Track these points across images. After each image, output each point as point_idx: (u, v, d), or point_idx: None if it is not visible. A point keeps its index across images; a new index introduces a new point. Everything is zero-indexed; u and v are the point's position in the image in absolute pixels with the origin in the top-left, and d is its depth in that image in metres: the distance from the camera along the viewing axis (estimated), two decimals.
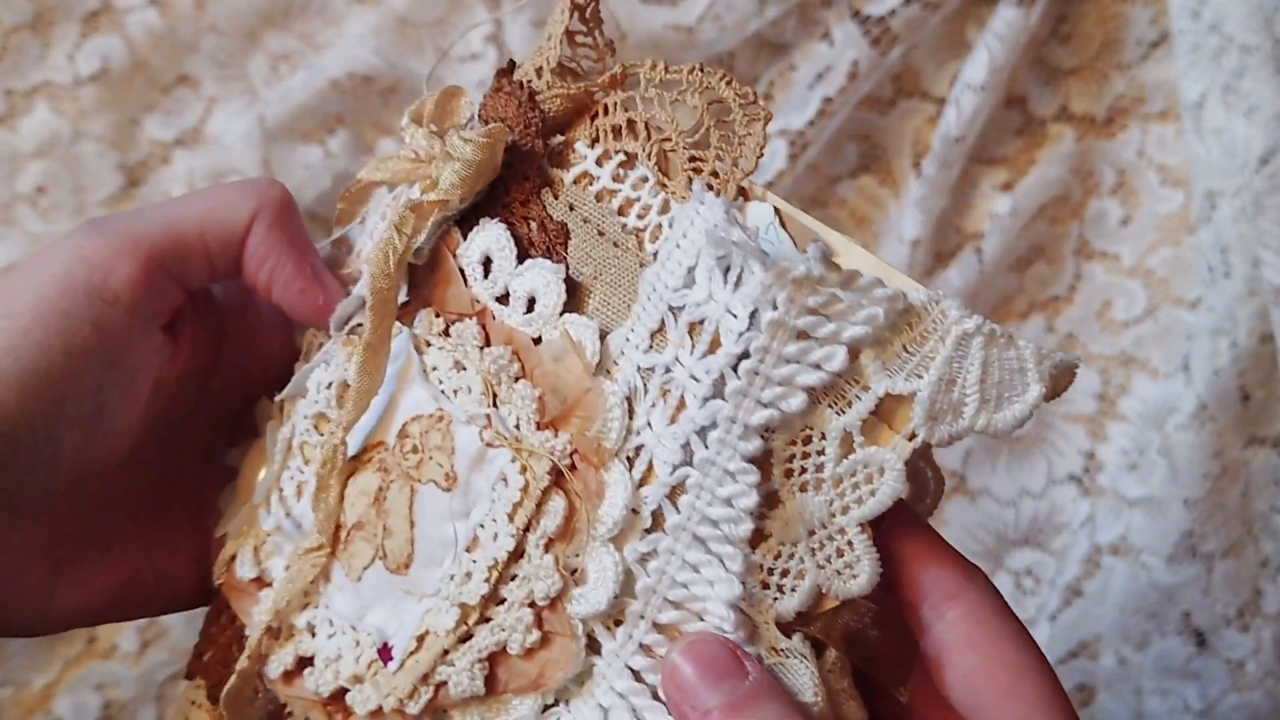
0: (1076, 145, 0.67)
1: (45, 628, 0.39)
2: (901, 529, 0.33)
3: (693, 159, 0.35)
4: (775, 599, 0.33)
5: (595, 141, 0.37)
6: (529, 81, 0.39)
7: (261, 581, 0.40)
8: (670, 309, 0.33)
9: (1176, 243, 0.67)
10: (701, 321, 0.33)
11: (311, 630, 0.38)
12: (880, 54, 0.65)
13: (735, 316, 0.32)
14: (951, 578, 0.33)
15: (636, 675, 0.33)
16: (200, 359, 0.42)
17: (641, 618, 0.33)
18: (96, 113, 0.64)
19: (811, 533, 0.32)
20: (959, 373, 0.31)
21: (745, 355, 0.32)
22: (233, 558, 0.41)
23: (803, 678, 0.32)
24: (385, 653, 0.37)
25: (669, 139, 0.35)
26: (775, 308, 0.31)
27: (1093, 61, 0.67)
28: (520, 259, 0.37)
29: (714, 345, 0.32)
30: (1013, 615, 0.33)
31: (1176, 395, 0.64)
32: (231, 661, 0.40)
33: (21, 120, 0.64)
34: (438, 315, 0.38)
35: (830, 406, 0.32)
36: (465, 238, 0.38)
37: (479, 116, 0.40)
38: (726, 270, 0.32)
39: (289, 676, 0.39)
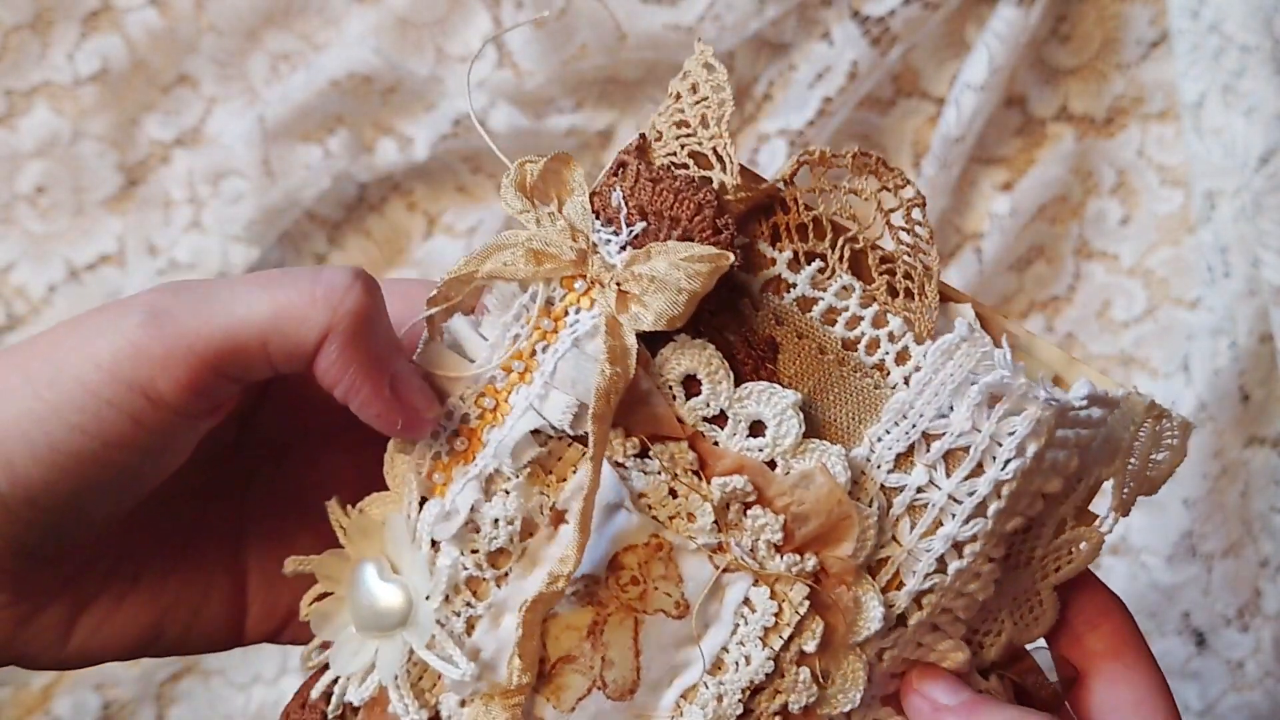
0: (1076, 145, 0.67)
1: (64, 664, 0.38)
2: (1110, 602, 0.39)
3: (883, 259, 0.36)
4: (977, 652, 0.38)
5: (775, 241, 0.36)
6: (693, 173, 0.36)
7: None
8: (924, 435, 0.36)
9: (1176, 243, 0.67)
10: (964, 449, 0.35)
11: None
12: (880, 54, 0.65)
13: (1000, 446, 0.35)
14: (1103, 601, 0.38)
15: None
16: (245, 402, 0.40)
17: (874, 697, 0.38)
18: (96, 112, 0.64)
19: (1014, 599, 0.38)
20: (1138, 451, 0.37)
21: (1009, 480, 0.35)
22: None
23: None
24: None
25: (855, 238, 0.36)
26: (1040, 439, 0.35)
27: (1092, 61, 0.67)
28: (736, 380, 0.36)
29: (977, 471, 0.35)
30: (1143, 639, 0.38)
31: (1176, 395, 0.64)
32: None
33: (21, 120, 0.64)
34: (629, 436, 0.36)
35: (1057, 504, 0.37)
36: (654, 354, 0.36)
37: (626, 204, 0.36)
38: (993, 407, 0.35)
39: None
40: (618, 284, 0.35)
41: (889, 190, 0.36)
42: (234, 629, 0.40)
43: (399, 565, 0.37)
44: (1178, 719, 0.37)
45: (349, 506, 0.38)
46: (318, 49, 0.66)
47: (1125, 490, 0.37)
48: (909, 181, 0.36)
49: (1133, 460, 0.37)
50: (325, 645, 0.38)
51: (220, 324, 0.33)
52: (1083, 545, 0.38)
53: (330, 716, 0.38)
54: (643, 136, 0.37)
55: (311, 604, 0.38)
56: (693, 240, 0.35)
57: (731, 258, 0.34)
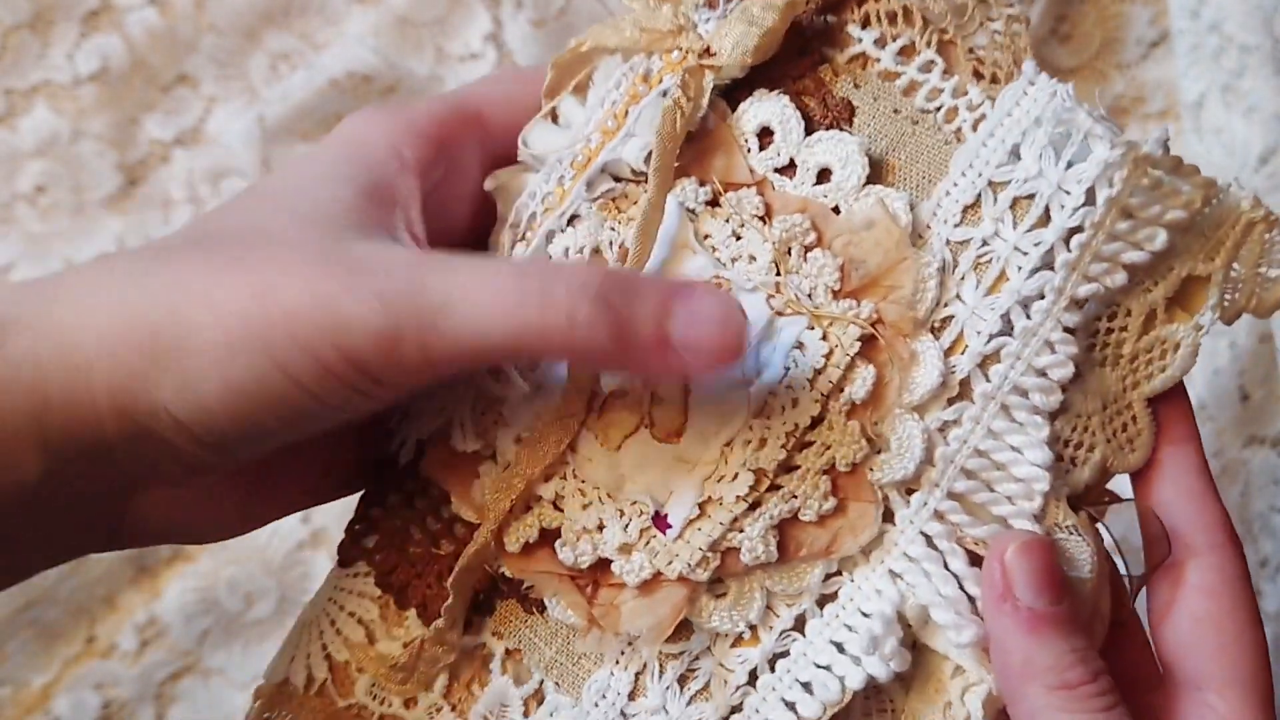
0: None
1: (236, 534, 0.38)
2: (1196, 469, 0.36)
3: (970, 51, 0.36)
4: (1067, 471, 0.35)
5: (867, 25, 0.37)
6: None
7: (480, 456, 0.37)
8: (990, 184, 0.35)
9: None
10: (1030, 197, 0.34)
11: (556, 503, 0.36)
12: None
13: (1069, 193, 0.34)
14: (1219, 529, 0.36)
15: (929, 541, 0.35)
16: None
17: (937, 485, 0.34)
18: (96, 112, 0.64)
19: (1105, 407, 0.35)
20: (1243, 258, 0.35)
21: (1077, 229, 0.34)
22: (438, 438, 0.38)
23: (1083, 555, 0.35)
24: (661, 521, 0.35)
25: (945, 30, 0.36)
26: (1111, 185, 0.33)
27: (1093, 61, 0.67)
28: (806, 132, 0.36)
29: (1043, 220, 0.34)
30: (1253, 592, 0.36)
31: None
32: (408, 544, 0.38)
33: (21, 119, 0.64)
34: (702, 184, 0.36)
35: (1140, 284, 0.35)
36: (733, 109, 0.37)
37: None
38: (1060, 148, 0.34)
39: (530, 550, 0.36)
40: (706, 45, 0.36)
41: (990, 3, 0.36)
42: (357, 474, 0.40)
43: None
44: (1266, 677, 0.35)
45: None
46: (318, 49, 0.66)
47: (1227, 298, 0.35)
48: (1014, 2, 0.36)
49: (1236, 266, 0.35)
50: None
51: (462, 344, 0.31)
52: (1179, 350, 0.35)
53: (403, 461, 0.38)
54: None
55: None
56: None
57: (804, 3, 0.36)
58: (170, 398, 0.31)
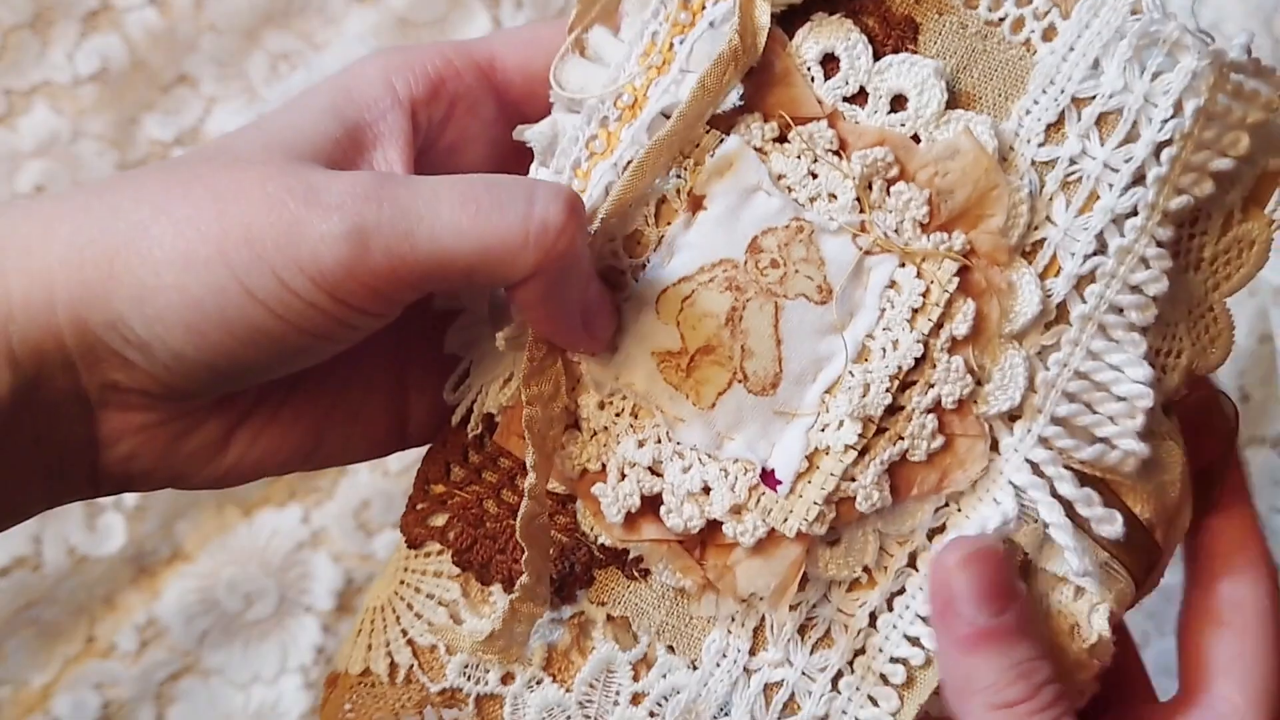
0: None
1: (222, 481, 0.37)
2: (1244, 497, 0.38)
3: None
4: (1160, 378, 0.35)
5: None
6: None
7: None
8: (1074, 100, 0.34)
9: None
10: (1116, 111, 0.33)
11: (654, 468, 0.35)
12: None
13: (1156, 105, 0.33)
14: (1256, 547, 0.37)
15: (1035, 468, 0.34)
16: None
17: (1039, 411, 0.34)
18: (96, 112, 0.64)
19: (1189, 311, 0.35)
20: None
21: (1167, 143, 0.33)
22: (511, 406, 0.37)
23: (1173, 457, 0.35)
24: (769, 478, 0.34)
25: None
26: (1199, 95, 0.33)
27: None
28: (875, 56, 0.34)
29: (1132, 134, 0.33)
30: None
31: None
32: (484, 519, 0.37)
33: (21, 119, 0.64)
34: (767, 120, 0.34)
35: (1222, 189, 0.34)
36: (790, 36, 0.35)
37: None
38: (1145, 60, 0.34)
39: (632, 520, 0.35)
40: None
41: None
42: (397, 432, 0.39)
43: None
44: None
45: None
46: (318, 49, 0.66)
47: None
48: None
49: None
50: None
51: (425, 253, 0.31)
52: (1254, 247, 0.35)
53: (470, 434, 0.37)
54: None
55: (456, 332, 0.38)
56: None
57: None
58: (127, 310, 0.31)
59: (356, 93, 0.35)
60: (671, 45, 0.35)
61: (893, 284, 0.34)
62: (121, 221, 0.32)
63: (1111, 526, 0.34)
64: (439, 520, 0.37)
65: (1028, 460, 0.35)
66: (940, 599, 0.34)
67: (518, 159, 0.38)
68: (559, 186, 0.33)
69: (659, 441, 0.35)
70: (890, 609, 0.35)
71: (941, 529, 0.35)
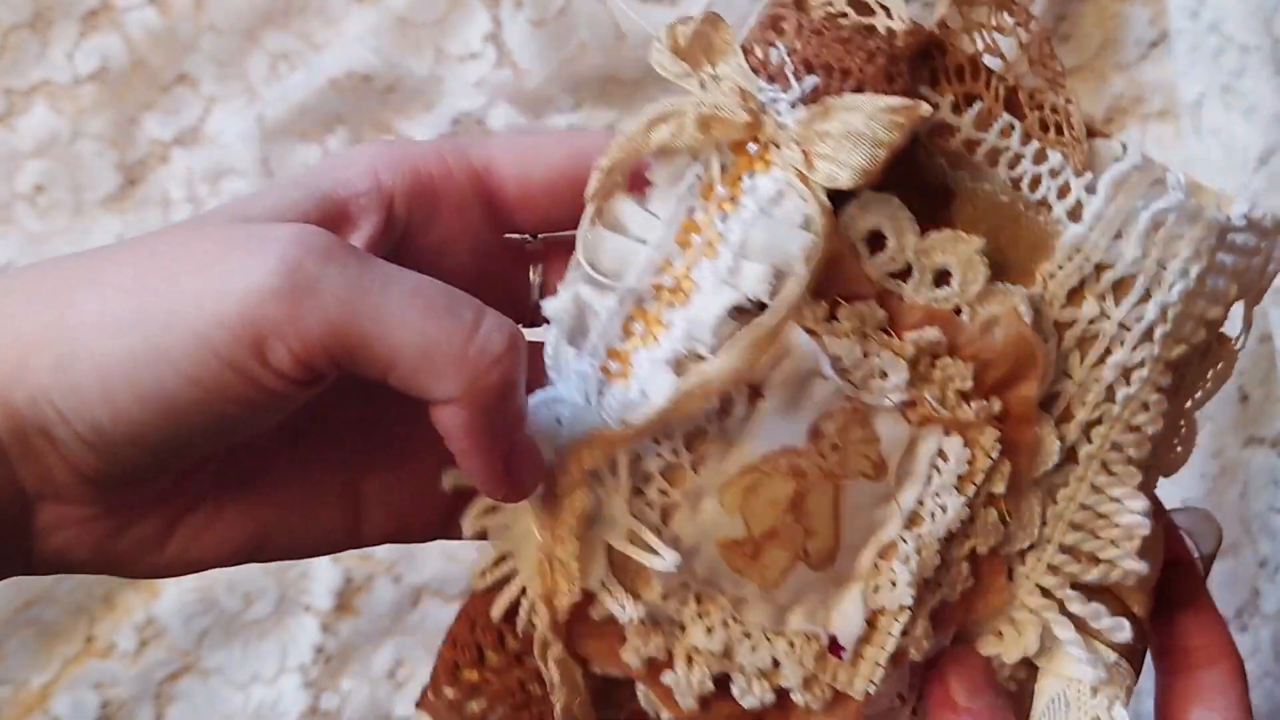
0: None
1: (162, 573, 0.35)
2: (1206, 594, 0.40)
3: (1032, 95, 0.36)
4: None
5: (934, 85, 0.34)
6: (860, 23, 0.34)
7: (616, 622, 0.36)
8: (1096, 267, 0.36)
9: None
10: (1132, 276, 0.36)
11: (726, 651, 0.36)
12: None
13: (1165, 270, 0.36)
14: (1226, 640, 0.40)
15: (1045, 592, 0.38)
16: None
17: (1049, 542, 0.37)
18: (95, 112, 0.64)
19: (1168, 427, 0.38)
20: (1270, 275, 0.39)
21: (1174, 302, 0.36)
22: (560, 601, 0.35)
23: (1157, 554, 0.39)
24: (836, 647, 0.36)
25: (1005, 77, 0.35)
26: (1203, 259, 0.36)
27: (1092, 61, 0.67)
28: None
29: (1145, 297, 0.36)
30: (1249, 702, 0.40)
31: None
32: (529, 702, 0.36)
33: (20, 119, 0.64)
34: (817, 300, 0.34)
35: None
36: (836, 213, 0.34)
37: (791, 59, 0.33)
38: (1160, 230, 0.36)
39: (708, 702, 0.36)
40: (798, 143, 0.33)
41: (1021, 26, 0.35)
42: (348, 532, 0.37)
43: None
44: None
45: None
46: (317, 49, 0.66)
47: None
48: (1033, 15, 0.36)
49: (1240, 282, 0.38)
50: (497, 570, 0.36)
51: (360, 331, 0.29)
52: (1220, 365, 0.39)
53: (520, 630, 0.36)
54: None
55: (481, 515, 0.36)
56: (864, 91, 0.33)
57: (927, 107, 0.33)
58: (48, 379, 0.30)
59: (337, 174, 0.34)
60: (713, 224, 0.34)
61: (941, 452, 0.36)
62: (48, 287, 0.30)
63: (1122, 633, 0.38)
64: (476, 706, 0.37)
65: (1038, 585, 0.38)
66: (938, 700, 0.38)
67: (502, 266, 0.37)
68: (506, 320, 0.31)
69: (726, 625, 0.36)
70: None
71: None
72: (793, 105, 0.33)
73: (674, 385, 0.33)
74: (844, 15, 0.34)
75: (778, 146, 0.33)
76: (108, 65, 0.64)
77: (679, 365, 0.33)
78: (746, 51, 0.34)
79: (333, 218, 0.33)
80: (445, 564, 0.65)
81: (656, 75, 0.72)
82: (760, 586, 0.35)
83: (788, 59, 0.33)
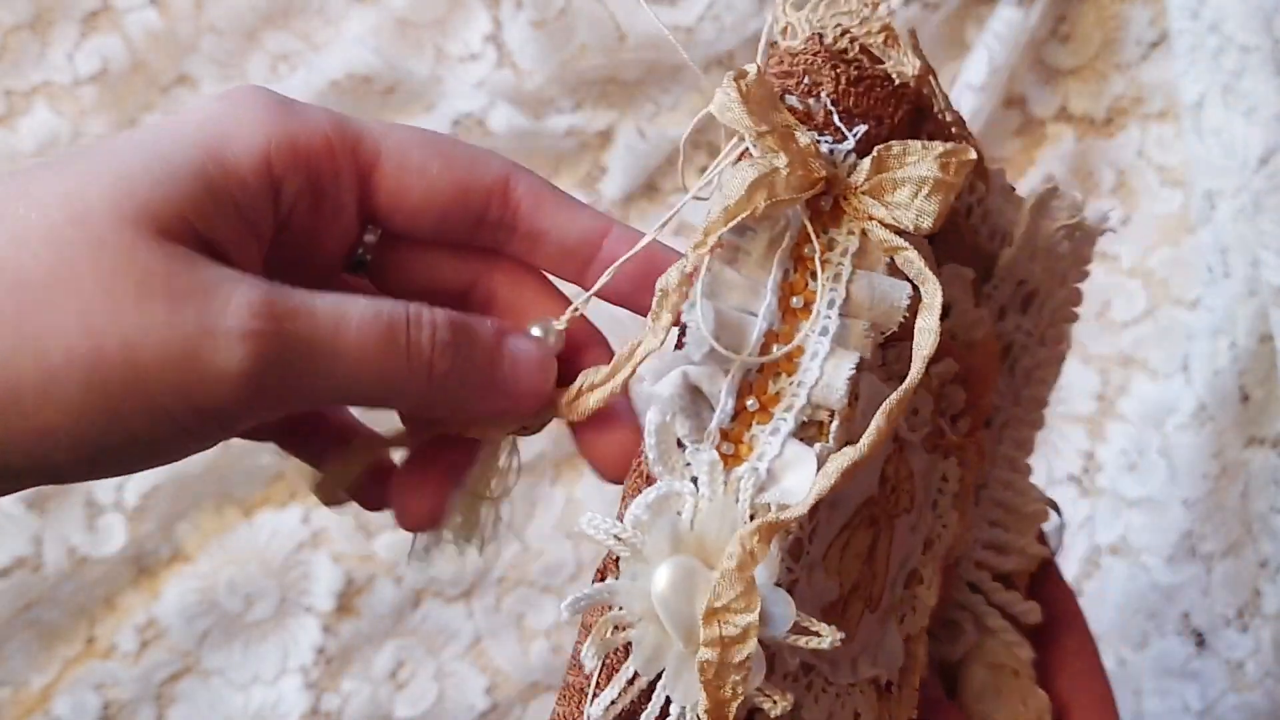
0: (1076, 145, 0.67)
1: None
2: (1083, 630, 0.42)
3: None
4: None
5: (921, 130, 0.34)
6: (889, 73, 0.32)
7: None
8: (1018, 284, 0.39)
9: (1176, 243, 0.67)
10: (1038, 290, 0.39)
11: (829, 716, 0.34)
12: None
13: (1054, 279, 0.40)
14: (1075, 607, 0.41)
15: (973, 587, 0.40)
16: None
17: (976, 541, 0.40)
18: (96, 112, 0.64)
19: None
20: None
21: (1059, 306, 0.40)
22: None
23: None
24: (890, 684, 0.36)
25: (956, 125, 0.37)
26: (1078, 268, 0.40)
27: (1092, 62, 0.67)
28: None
29: (1042, 306, 0.40)
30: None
31: (1176, 395, 0.64)
32: None
33: (21, 120, 0.64)
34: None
35: None
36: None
37: (835, 108, 0.32)
38: (1057, 246, 0.39)
39: None
40: (870, 194, 0.31)
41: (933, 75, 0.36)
42: None
43: (711, 558, 0.30)
44: None
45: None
46: (317, 49, 0.66)
47: None
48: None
49: None
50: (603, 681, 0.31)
51: (317, 388, 0.30)
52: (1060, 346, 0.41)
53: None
54: (819, 37, 0.33)
55: (607, 635, 0.30)
56: (894, 138, 0.32)
57: (974, 152, 0.32)
58: None
59: (231, 165, 0.30)
60: (807, 284, 0.32)
61: (944, 476, 0.37)
62: None
63: (1034, 615, 0.40)
64: None
65: (968, 582, 0.39)
66: None
67: (367, 256, 0.35)
68: (444, 323, 0.31)
69: (824, 690, 0.34)
70: None
71: None
72: (845, 156, 0.32)
73: (810, 459, 0.30)
74: (859, 61, 0.32)
75: (848, 199, 0.32)
76: (108, 66, 0.64)
77: (806, 436, 0.31)
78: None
79: (229, 217, 0.31)
80: (446, 565, 0.65)
81: (656, 76, 0.72)
82: (845, 643, 0.32)
83: (834, 109, 0.32)
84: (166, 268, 0.28)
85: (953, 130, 0.35)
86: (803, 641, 0.30)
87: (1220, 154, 0.62)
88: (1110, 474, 0.66)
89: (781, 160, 0.30)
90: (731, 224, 0.30)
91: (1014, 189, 0.38)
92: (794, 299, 0.31)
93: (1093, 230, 0.39)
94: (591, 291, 0.34)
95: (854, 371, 0.31)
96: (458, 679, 0.65)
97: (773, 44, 0.33)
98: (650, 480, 0.31)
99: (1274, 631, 0.65)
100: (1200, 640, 0.65)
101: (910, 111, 0.32)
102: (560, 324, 0.34)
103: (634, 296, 0.34)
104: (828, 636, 0.30)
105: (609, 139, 0.68)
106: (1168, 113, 0.67)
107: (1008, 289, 0.38)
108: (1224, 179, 0.63)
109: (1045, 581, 0.42)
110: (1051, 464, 0.67)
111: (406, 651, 0.65)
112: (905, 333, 0.32)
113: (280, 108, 0.32)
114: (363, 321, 0.30)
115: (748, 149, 0.31)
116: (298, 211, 0.32)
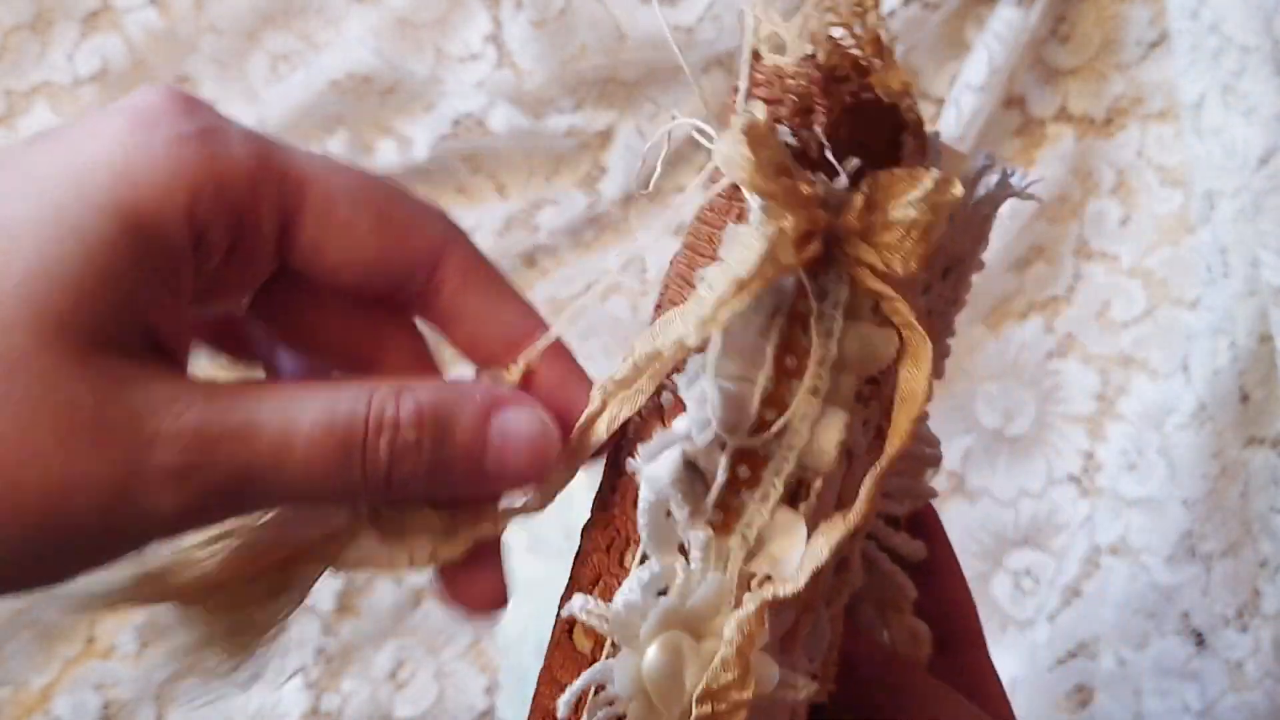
0: (1076, 145, 0.67)
1: None
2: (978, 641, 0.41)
3: None
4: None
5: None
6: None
7: None
8: (947, 255, 0.39)
9: (1176, 243, 0.67)
10: (960, 260, 0.39)
11: None
12: None
13: (971, 244, 0.40)
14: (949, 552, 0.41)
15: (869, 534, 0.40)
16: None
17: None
18: None
19: None
20: None
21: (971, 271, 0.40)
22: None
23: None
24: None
25: None
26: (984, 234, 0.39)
27: (1092, 62, 0.67)
28: None
29: (959, 274, 0.39)
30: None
31: (1175, 395, 0.64)
32: None
33: (21, 120, 0.64)
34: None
35: None
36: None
37: (828, 140, 0.30)
38: (975, 215, 0.39)
39: None
40: (860, 237, 0.29)
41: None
42: None
43: (700, 628, 0.30)
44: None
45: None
46: (317, 49, 0.66)
47: None
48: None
49: None
50: None
51: (260, 502, 0.28)
52: None
53: None
54: (813, 59, 0.29)
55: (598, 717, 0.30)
56: (882, 166, 0.29)
57: (960, 188, 0.29)
58: None
59: (150, 228, 0.27)
60: (799, 340, 0.30)
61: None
62: None
63: (921, 552, 0.39)
64: None
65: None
66: None
67: (282, 298, 0.32)
68: (394, 407, 0.28)
69: None
70: None
71: None
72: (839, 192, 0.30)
73: (799, 526, 0.30)
74: (853, 83, 0.30)
75: (839, 243, 0.29)
76: (108, 66, 0.64)
77: (795, 498, 0.30)
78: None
79: (144, 280, 0.27)
80: None
81: (656, 76, 0.72)
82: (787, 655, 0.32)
83: (825, 141, 0.29)
84: (92, 396, 0.25)
85: (910, 116, 0.31)
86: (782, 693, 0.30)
87: (1220, 154, 0.62)
88: (1110, 474, 0.66)
89: (789, 222, 0.28)
90: (738, 298, 0.28)
91: (956, 151, 0.35)
92: (788, 358, 0.30)
93: (1009, 192, 0.37)
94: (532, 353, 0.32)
95: (844, 434, 0.30)
96: (458, 679, 0.65)
97: (755, 54, 0.30)
98: (632, 543, 0.30)
99: (1274, 631, 0.65)
100: (1200, 640, 0.65)
101: (899, 134, 0.31)
102: (513, 374, 0.32)
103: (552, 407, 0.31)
104: (803, 689, 0.30)
105: (609, 139, 0.68)
106: (1168, 113, 0.67)
107: (939, 262, 0.36)
108: (1224, 179, 0.63)
109: (923, 515, 0.41)
110: (1051, 464, 0.67)
111: (406, 651, 0.65)
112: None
113: (199, 139, 0.28)
114: (313, 431, 0.27)
115: (740, 202, 0.30)
116: (215, 253, 0.29)
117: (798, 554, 0.29)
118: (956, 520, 0.68)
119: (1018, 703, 0.41)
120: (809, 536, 0.29)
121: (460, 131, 0.65)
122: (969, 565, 0.66)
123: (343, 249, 0.30)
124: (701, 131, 0.30)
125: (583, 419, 0.31)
